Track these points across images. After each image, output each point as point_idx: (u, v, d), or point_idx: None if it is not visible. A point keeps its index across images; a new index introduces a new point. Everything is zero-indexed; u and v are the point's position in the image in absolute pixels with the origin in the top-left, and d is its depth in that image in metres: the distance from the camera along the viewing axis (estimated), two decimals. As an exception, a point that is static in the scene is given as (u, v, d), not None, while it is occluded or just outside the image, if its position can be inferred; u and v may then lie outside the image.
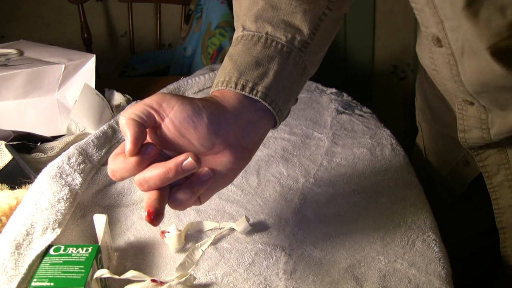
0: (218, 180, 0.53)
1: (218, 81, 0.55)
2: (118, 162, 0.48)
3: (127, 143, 0.47)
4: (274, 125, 0.58)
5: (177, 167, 0.48)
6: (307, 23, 0.59)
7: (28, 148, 0.76)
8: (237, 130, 0.53)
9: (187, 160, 0.48)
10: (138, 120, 0.48)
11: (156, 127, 0.50)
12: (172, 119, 0.49)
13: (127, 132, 0.47)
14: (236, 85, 0.54)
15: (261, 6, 0.60)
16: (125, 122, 0.48)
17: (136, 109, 0.49)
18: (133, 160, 0.47)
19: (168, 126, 0.49)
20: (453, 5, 0.55)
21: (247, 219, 0.65)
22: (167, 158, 0.49)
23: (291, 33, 0.58)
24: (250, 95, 0.54)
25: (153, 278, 0.54)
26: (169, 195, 0.50)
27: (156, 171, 0.48)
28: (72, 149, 0.72)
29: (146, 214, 0.47)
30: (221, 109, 0.52)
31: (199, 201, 0.53)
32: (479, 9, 0.53)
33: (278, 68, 0.56)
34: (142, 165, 0.48)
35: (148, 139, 0.50)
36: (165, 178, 0.48)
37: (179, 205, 0.50)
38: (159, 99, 0.49)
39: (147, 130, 0.49)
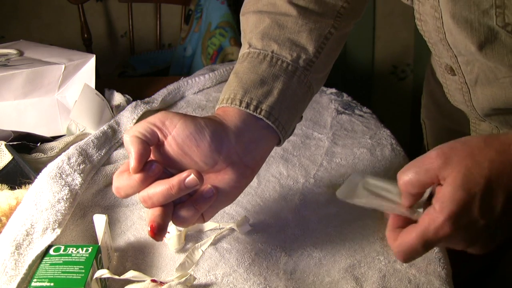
0: (221, 198, 0.53)
1: (223, 98, 0.56)
2: (123, 179, 0.49)
3: (131, 160, 0.48)
4: (278, 143, 0.59)
5: (180, 184, 0.49)
6: (313, 42, 0.60)
7: (28, 148, 0.76)
8: (239, 148, 0.53)
9: (189, 177, 0.49)
10: (141, 138, 0.49)
11: (159, 145, 0.51)
12: (175, 136, 0.50)
13: (131, 150, 0.48)
14: (240, 102, 0.55)
15: (268, 24, 0.60)
16: (129, 139, 0.49)
17: (139, 127, 0.50)
18: (137, 177, 0.48)
19: (171, 144, 0.50)
20: (466, 47, 0.57)
21: (247, 219, 0.65)
22: (171, 176, 0.50)
23: (297, 52, 0.59)
24: (254, 113, 0.54)
25: (153, 278, 0.54)
26: (173, 212, 0.51)
27: (159, 188, 0.49)
28: (72, 149, 0.72)
29: (149, 229, 0.48)
30: (223, 127, 0.53)
31: (203, 219, 0.53)
32: (492, 50, 0.55)
33: (283, 87, 0.57)
34: (146, 182, 0.49)
35: (152, 157, 0.51)
36: (168, 194, 0.49)
37: (183, 222, 0.51)
38: (162, 117, 0.51)
39: (151, 148, 0.50)
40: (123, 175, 0.50)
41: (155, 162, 0.50)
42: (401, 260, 0.49)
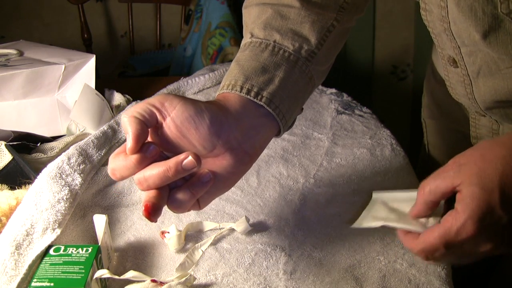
0: (218, 184, 0.52)
1: (224, 84, 0.56)
2: (119, 161, 0.48)
3: (129, 140, 0.47)
4: (278, 133, 0.58)
5: (177, 166, 0.48)
6: (315, 33, 0.60)
7: (28, 149, 0.76)
8: (238, 133, 0.53)
9: (187, 159, 0.48)
10: (140, 118, 0.48)
11: (158, 127, 0.50)
12: (174, 118, 0.49)
13: (129, 130, 0.47)
14: (241, 88, 0.54)
15: (270, 14, 0.60)
16: (127, 119, 0.48)
17: (138, 107, 0.49)
18: (134, 158, 0.47)
19: (169, 126, 0.49)
20: (470, 36, 0.57)
21: (247, 220, 0.65)
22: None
23: (299, 42, 0.59)
24: (255, 100, 0.54)
25: (153, 279, 0.54)
26: (169, 196, 0.50)
27: (156, 170, 0.48)
28: (72, 150, 0.72)
29: (143, 209, 0.47)
30: (223, 111, 0.52)
31: (199, 205, 0.53)
32: (496, 39, 0.55)
33: (284, 76, 0.56)
34: (143, 163, 0.48)
35: (150, 139, 0.50)
36: (164, 177, 0.48)
37: (178, 207, 0.50)
38: (162, 99, 0.50)
39: (149, 129, 0.49)
40: (120, 156, 0.48)
41: (153, 144, 0.49)
42: (423, 258, 0.50)
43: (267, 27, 0.59)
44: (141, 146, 0.48)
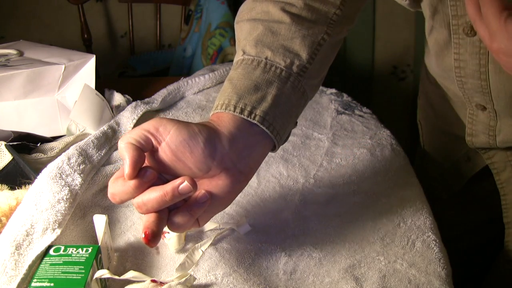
0: (215, 203, 0.54)
1: (217, 104, 0.57)
2: (118, 185, 0.50)
3: (126, 167, 0.49)
4: (273, 149, 0.59)
5: (173, 191, 0.49)
6: (306, 48, 0.61)
7: (28, 149, 0.76)
8: (233, 154, 0.54)
9: (183, 184, 0.49)
10: (136, 144, 0.49)
11: (153, 151, 0.51)
12: (169, 143, 0.50)
13: (125, 156, 0.49)
14: (235, 108, 0.55)
15: (261, 31, 0.61)
16: (124, 146, 0.49)
17: (134, 133, 0.50)
18: (132, 183, 0.49)
19: (164, 150, 0.51)
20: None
21: (247, 220, 0.65)
22: (166, 181, 0.51)
23: (290, 58, 0.59)
24: (248, 119, 0.55)
25: (153, 279, 0.54)
26: (168, 218, 0.51)
27: (153, 194, 0.49)
28: (72, 150, 0.72)
29: (143, 236, 0.49)
30: (217, 133, 0.53)
31: (198, 223, 0.54)
32: None
33: (277, 93, 0.57)
34: (141, 188, 0.50)
35: (146, 163, 0.52)
36: (162, 201, 0.49)
37: (178, 228, 0.52)
38: (156, 124, 0.51)
39: (145, 154, 0.50)
40: (118, 181, 0.50)
41: (150, 169, 0.50)
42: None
43: (259, 44, 0.60)
44: (138, 171, 0.49)
